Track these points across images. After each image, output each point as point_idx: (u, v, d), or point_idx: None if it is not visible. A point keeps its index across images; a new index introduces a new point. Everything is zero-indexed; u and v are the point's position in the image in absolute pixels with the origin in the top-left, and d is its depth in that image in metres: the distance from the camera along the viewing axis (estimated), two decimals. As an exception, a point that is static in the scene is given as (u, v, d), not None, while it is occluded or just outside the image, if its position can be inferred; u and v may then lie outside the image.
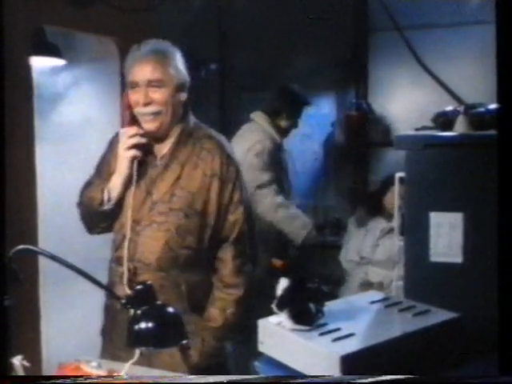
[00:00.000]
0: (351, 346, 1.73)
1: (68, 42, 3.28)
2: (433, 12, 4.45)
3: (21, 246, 1.51)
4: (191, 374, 2.06)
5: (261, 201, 3.29)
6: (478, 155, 2.21)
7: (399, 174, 2.34)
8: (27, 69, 2.82)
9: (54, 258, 1.51)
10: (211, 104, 5.09)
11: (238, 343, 2.33)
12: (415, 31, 4.47)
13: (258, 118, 3.54)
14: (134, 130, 2.11)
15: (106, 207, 2.15)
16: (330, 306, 1.96)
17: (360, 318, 1.94)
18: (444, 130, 2.38)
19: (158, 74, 2.10)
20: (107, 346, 2.21)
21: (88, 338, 2.38)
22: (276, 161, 3.47)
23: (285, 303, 1.87)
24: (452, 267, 2.22)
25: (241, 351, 2.38)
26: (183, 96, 2.18)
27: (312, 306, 1.86)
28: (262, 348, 1.92)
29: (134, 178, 2.12)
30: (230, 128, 3.80)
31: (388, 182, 3.11)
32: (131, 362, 1.80)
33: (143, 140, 2.12)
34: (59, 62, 3.26)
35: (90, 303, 2.39)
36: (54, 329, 2.96)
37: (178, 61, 2.16)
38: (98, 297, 2.18)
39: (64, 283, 2.42)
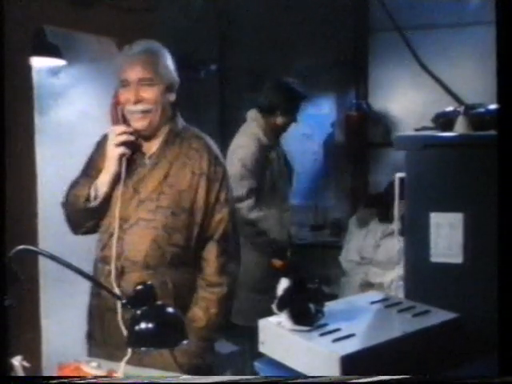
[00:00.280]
0: (351, 346, 1.74)
1: (68, 43, 3.28)
2: (433, 12, 4.45)
3: (21, 247, 1.50)
4: (181, 373, 2.07)
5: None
6: (478, 156, 2.21)
7: (399, 175, 2.34)
8: (27, 69, 2.82)
9: (53, 258, 1.51)
10: (211, 104, 5.09)
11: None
12: (415, 31, 4.47)
13: (251, 116, 3.47)
14: (122, 127, 2.13)
15: (93, 204, 2.16)
16: (330, 306, 1.96)
17: (360, 319, 1.94)
18: (444, 130, 2.38)
19: (148, 72, 2.12)
20: (96, 348, 2.21)
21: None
22: (261, 165, 3.37)
23: (285, 304, 1.87)
24: (452, 267, 2.22)
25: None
26: (172, 96, 2.20)
27: (312, 306, 1.86)
28: (262, 348, 1.92)
29: (123, 175, 2.14)
30: (229, 128, 3.80)
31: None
32: (124, 360, 1.83)
33: (132, 138, 2.14)
34: (59, 62, 3.27)
35: (90, 303, 2.38)
36: (54, 329, 2.96)
37: (168, 61, 2.19)
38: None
39: (64, 283, 2.42)
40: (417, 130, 2.52)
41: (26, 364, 1.64)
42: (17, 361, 1.63)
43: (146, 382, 1.72)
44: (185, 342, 1.62)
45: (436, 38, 4.45)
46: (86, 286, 2.24)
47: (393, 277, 3.45)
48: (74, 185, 2.23)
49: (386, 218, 3.58)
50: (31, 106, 2.84)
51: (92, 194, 2.15)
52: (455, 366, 1.85)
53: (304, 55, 4.80)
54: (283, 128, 3.50)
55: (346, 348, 1.71)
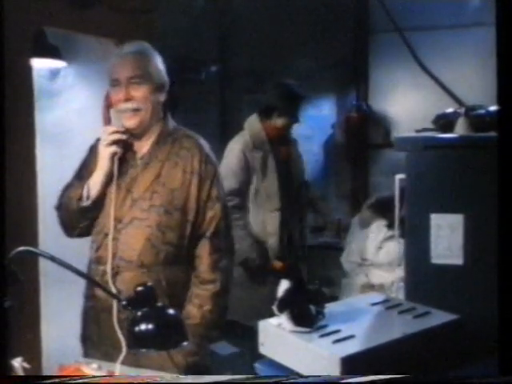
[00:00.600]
0: (351, 347, 1.74)
1: (68, 44, 3.28)
2: (433, 14, 4.44)
3: (21, 248, 1.50)
4: (178, 371, 2.08)
5: None
6: (478, 157, 2.21)
7: (399, 176, 2.34)
8: (28, 70, 2.82)
9: (54, 259, 1.51)
10: (211, 105, 5.09)
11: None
12: (416, 33, 4.47)
13: (248, 122, 3.51)
14: (114, 127, 2.16)
15: (85, 204, 2.18)
16: (330, 307, 1.96)
17: (360, 320, 1.94)
18: (444, 131, 2.38)
19: (138, 70, 2.16)
20: (92, 349, 2.22)
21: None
22: (246, 168, 3.39)
23: (285, 305, 1.87)
24: (452, 269, 2.23)
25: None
26: (162, 96, 2.23)
27: (312, 307, 1.86)
28: (262, 350, 1.92)
29: (115, 174, 2.16)
30: (229, 129, 3.80)
31: None
32: (119, 360, 1.85)
33: (123, 137, 2.17)
34: (60, 63, 3.27)
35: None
36: (54, 330, 2.96)
37: (159, 62, 2.23)
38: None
39: (64, 285, 2.41)
40: (417, 131, 2.52)
41: (26, 365, 1.64)
42: (17, 362, 1.63)
43: (146, 381, 1.72)
44: (185, 343, 1.62)
45: (436, 40, 4.45)
46: (84, 287, 2.25)
47: (393, 278, 3.45)
48: (68, 187, 2.27)
49: (391, 219, 3.58)
50: (32, 108, 2.84)
51: (84, 193, 2.18)
52: (456, 368, 1.84)
53: (304, 56, 4.80)
54: (284, 129, 3.49)
55: (347, 349, 1.71)
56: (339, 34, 4.84)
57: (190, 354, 2.13)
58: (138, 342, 1.57)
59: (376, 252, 3.67)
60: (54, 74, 3.37)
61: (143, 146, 2.22)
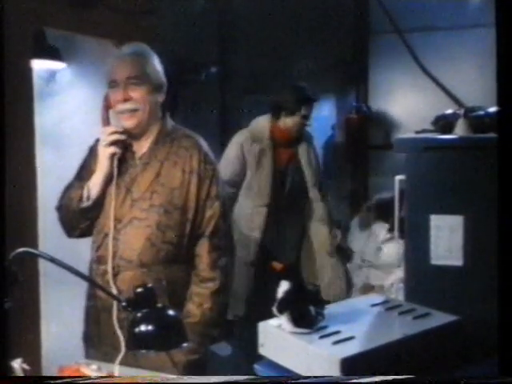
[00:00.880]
0: (351, 348, 1.74)
1: (68, 45, 3.28)
2: (433, 15, 4.44)
3: (21, 249, 1.51)
4: (178, 370, 2.09)
5: None
6: (477, 158, 2.21)
7: (399, 177, 2.34)
8: (28, 71, 2.82)
9: (53, 260, 1.51)
10: (211, 106, 5.09)
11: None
12: (415, 34, 4.47)
13: (254, 120, 3.53)
14: (113, 127, 2.17)
15: (85, 204, 2.19)
16: (330, 308, 1.96)
17: (360, 321, 1.94)
18: (444, 132, 2.38)
19: (136, 71, 2.17)
20: (92, 349, 2.23)
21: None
22: (240, 164, 3.44)
23: (285, 306, 1.87)
24: (452, 270, 2.23)
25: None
26: (161, 97, 2.24)
27: (312, 308, 1.86)
28: (262, 351, 1.92)
29: (115, 175, 2.17)
30: (230, 130, 3.80)
31: None
32: (118, 360, 1.85)
33: (122, 137, 2.18)
34: (59, 64, 3.27)
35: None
36: (54, 331, 2.96)
37: (156, 62, 2.24)
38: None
39: (64, 286, 2.41)
40: (417, 132, 2.52)
41: (25, 366, 1.64)
42: (17, 363, 1.63)
43: (146, 381, 1.72)
44: (185, 344, 1.62)
45: (436, 41, 4.45)
46: (85, 288, 2.24)
47: (393, 279, 3.45)
48: (68, 188, 2.27)
49: (388, 221, 3.58)
50: (31, 109, 2.84)
51: (85, 194, 2.19)
52: (455, 369, 1.85)
53: (304, 57, 4.80)
54: (289, 131, 3.48)
55: (346, 350, 1.71)
56: (339, 35, 4.84)
57: (191, 353, 2.13)
58: (137, 342, 1.57)
59: (376, 253, 3.66)
60: (54, 74, 3.37)
61: (142, 146, 2.23)
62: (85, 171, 2.27)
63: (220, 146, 3.57)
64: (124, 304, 1.59)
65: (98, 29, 3.06)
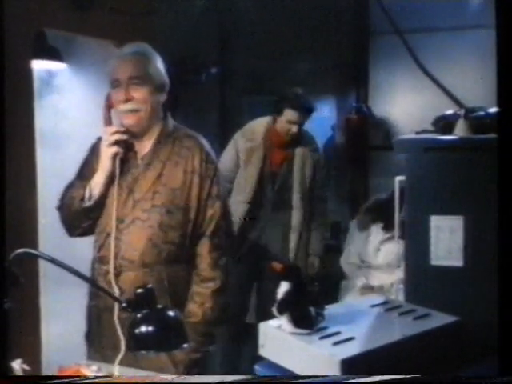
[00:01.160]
0: (351, 349, 1.73)
1: (68, 46, 3.28)
2: (433, 15, 4.45)
3: (21, 250, 1.50)
4: (179, 370, 2.10)
5: None
6: (478, 159, 2.21)
7: (399, 178, 2.34)
8: (28, 72, 2.83)
9: (53, 261, 1.51)
10: (212, 107, 5.09)
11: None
12: (416, 35, 4.47)
13: (254, 120, 3.60)
14: (115, 127, 2.17)
15: (87, 204, 2.19)
16: (330, 309, 1.96)
17: (360, 322, 1.94)
18: (444, 133, 2.38)
19: (138, 71, 2.17)
20: (94, 348, 2.23)
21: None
22: (234, 163, 3.53)
23: (285, 307, 1.87)
24: (452, 271, 2.23)
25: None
26: (163, 97, 2.24)
27: (312, 309, 1.86)
28: (262, 351, 1.92)
29: (117, 174, 2.17)
30: (230, 130, 3.80)
31: None
32: (118, 359, 1.86)
33: (124, 137, 2.18)
34: (60, 65, 3.27)
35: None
36: (54, 332, 2.96)
37: (158, 63, 2.23)
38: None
39: (64, 286, 2.41)
40: (417, 133, 2.52)
41: (25, 367, 1.64)
42: (17, 364, 1.63)
43: (146, 381, 1.72)
44: (185, 345, 1.62)
45: (436, 42, 4.45)
46: (86, 288, 2.24)
47: (393, 280, 3.44)
48: (69, 187, 2.27)
49: (388, 222, 3.57)
50: (32, 109, 2.85)
51: (87, 194, 2.19)
52: (455, 369, 1.84)
53: (304, 58, 4.80)
54: (284, 135, 3.53)
55: (346, 351, 1.71)
56: (339, 36, 4.84)
57: (192, 352, 2.13)
58: (138, 343, 1.57)
59: (375, 254, 3.66)
60: (54, 75, 3.37)
61: (144, 146, 2.23)
62: (86, 169, 2.26)
63: (220, 146, 3.58)
64: (124, 305, 1.59)
65: (98, 29, 3.06)
